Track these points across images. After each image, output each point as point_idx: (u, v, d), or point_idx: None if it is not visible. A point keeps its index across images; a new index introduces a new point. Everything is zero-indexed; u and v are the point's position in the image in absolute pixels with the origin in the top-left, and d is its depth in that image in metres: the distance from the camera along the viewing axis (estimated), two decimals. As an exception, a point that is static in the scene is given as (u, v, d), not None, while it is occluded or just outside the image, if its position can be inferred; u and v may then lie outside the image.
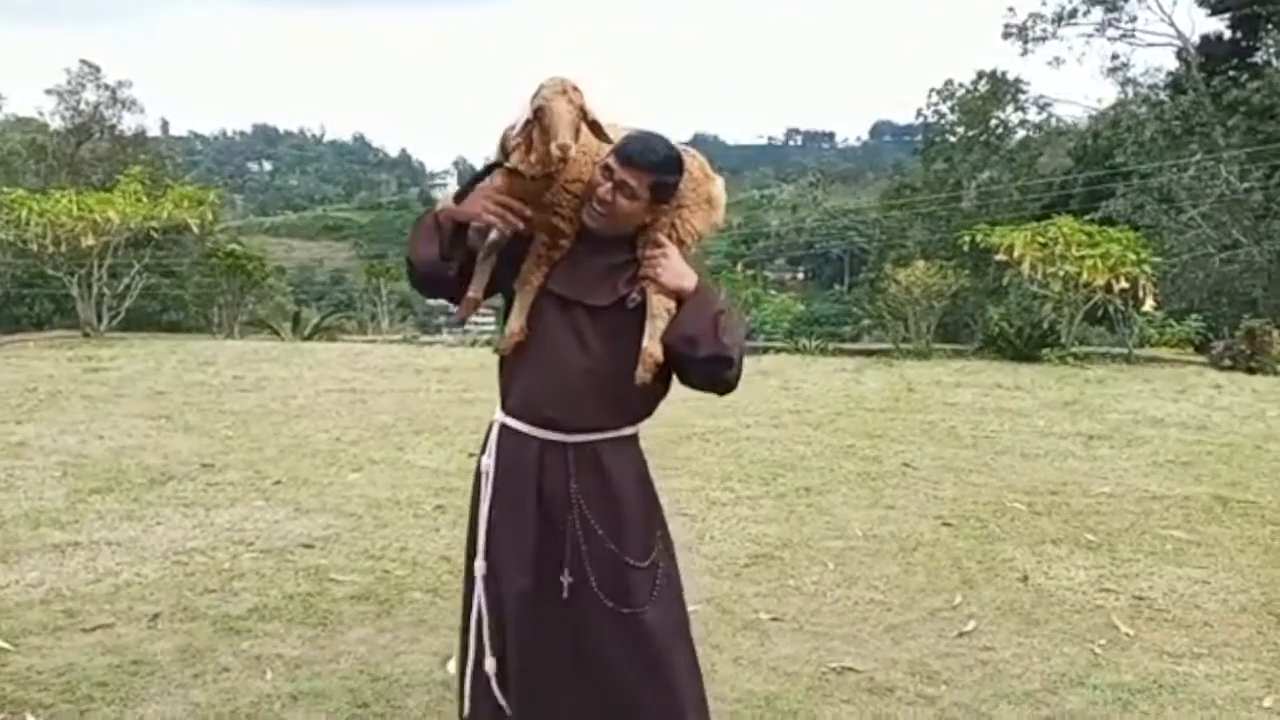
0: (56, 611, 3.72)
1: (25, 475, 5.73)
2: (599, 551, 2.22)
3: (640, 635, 2.24)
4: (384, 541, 4.68)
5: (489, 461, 2.30)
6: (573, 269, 2.24)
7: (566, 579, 2.21)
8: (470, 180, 2.24)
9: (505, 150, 2.16)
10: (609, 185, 2.14)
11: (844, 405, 8.57)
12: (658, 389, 2.28)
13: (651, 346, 2.16)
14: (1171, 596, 4.18)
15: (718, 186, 2.32)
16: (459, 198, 2.23)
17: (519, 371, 2.29)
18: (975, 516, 5.26)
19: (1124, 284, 10.93)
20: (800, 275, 73.23)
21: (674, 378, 2.29)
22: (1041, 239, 11.41)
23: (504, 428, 2.30)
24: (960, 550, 4.71)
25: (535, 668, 2.26)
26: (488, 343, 11.74)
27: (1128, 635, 3.76)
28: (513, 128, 2.11)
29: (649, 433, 7.22)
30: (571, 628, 2.24)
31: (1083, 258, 11.02)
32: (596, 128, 2.09)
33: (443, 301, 2.55)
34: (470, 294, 2.31)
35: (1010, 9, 29.37)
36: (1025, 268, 11.42)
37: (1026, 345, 11.47)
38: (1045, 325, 11.85)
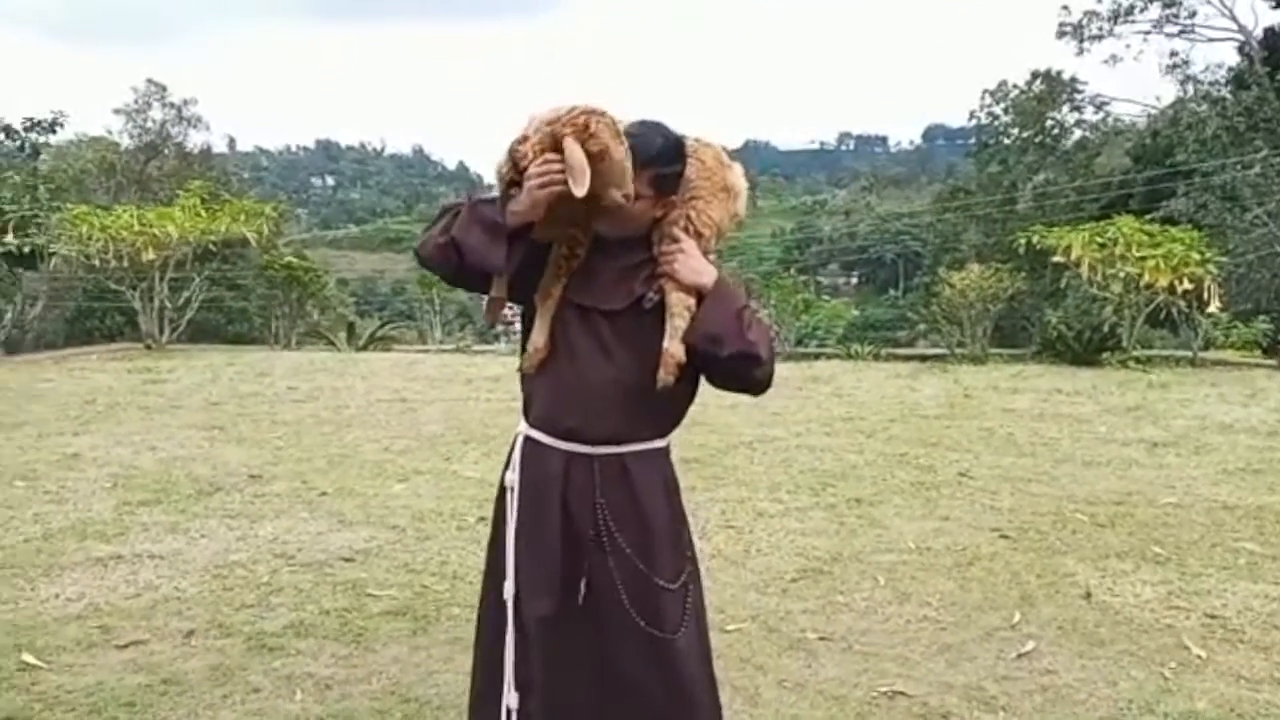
0: (92, 627, 3.69)
1: (76, 487, 5.76)
2: (629, 571, 2.11)
3: (672, 662, 2.13)
4: (425, 555, 4.61)
5: (513, 476, 2.21)
6: (589, 275, 2.14)
7: (594, 600, 2.11)
8: (501, 197, 2.09)
9: (515, 165, 2.03)
10: None
11: (898, 412, 8.36)
12: (683, 395, 2.18)
13: (673, 347, 2.06)
14: (1247, 615, 3.95)
15: (735, 174, 2.20)
16: (470, 214, 2.10)
17: (541, 383, 2.19)
18: (1035, 528, 5.06)
19: (1187, 285, 10.55)
20: (854, 280, 72.65)
21: (699, 383, 2.19)
22: (1100, 239, 11.07)
23: (528, 440, 2.20)
24: (1019, 564, 4.52)
25: (562, 694, 2.16)
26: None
27: (1200, 658, 3.54)
28: (522, 140, 2.01)
29: (696, 441, 7.09)
30: (600, 652, 2.14)
31: (1144, 258, 10.66)
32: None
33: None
34: (494, 294, 2.23)
35: (1065, 7, 28.84)
36: (1084, 269, 11.09)
37: (1086, 349, 11.12)
38: (1105, 328, 11.48)
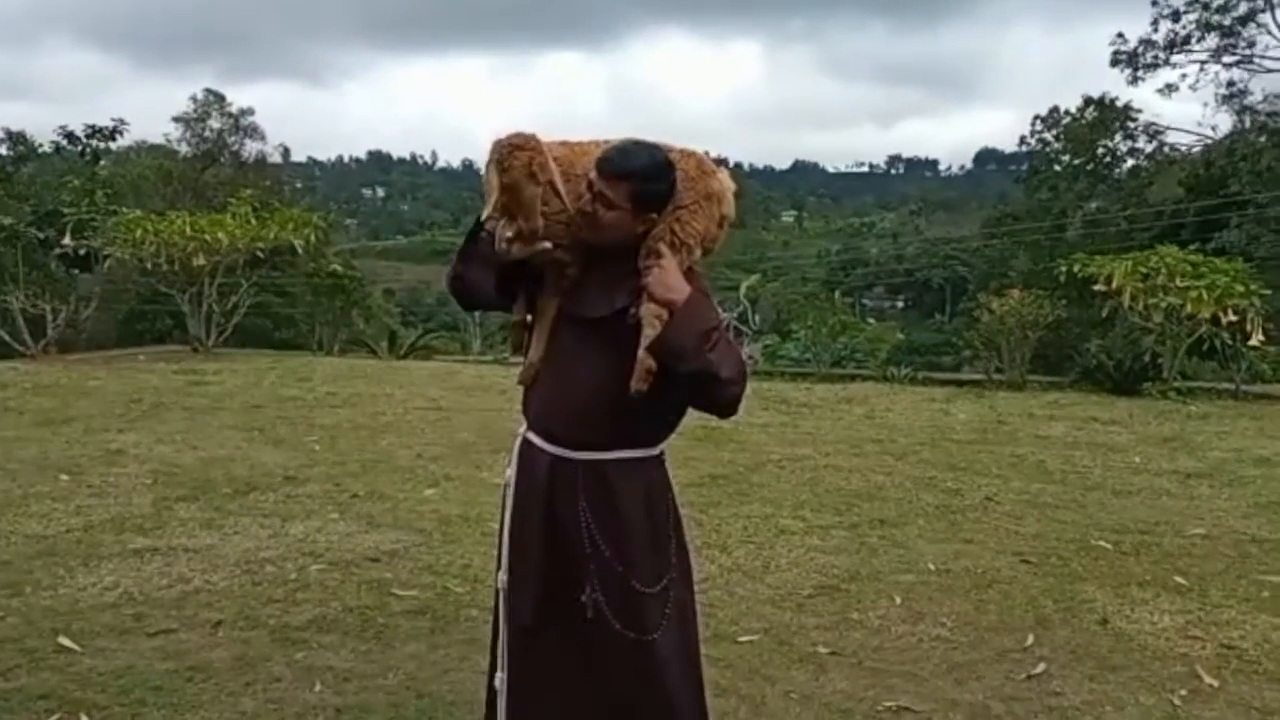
0: (126, 615, 3.84)
1: (118, 482, 5.95)
2: (606, 573, 2.19)
3: (647, 663, 2.20)
4: (449, 558, 4.72)
5: (510, 473, 2.32)
6: (579, 286, 2.24)
7: (574, 598, 2.19)
8: (472, 230, 2.29)
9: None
10: (589, 196, 2.13)
11: (929, 436, 8.35)
12: (667, 407, 2.24)
13: (645, 356, 2.13)
14: (1264, 647, 3.91)
15: (719, 180, 2.25)
16: (464, 249, 2.31)
17: (534, 389, 2.32)
18: (1057, 554, 5.04)
19: (1232, 316, 10.40)
20: (900, 304, 72.11)
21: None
22: (1143, 269, 10.95)
23: (524, 441, 2.31)
24: (1037, 589, 4.52)
25: (537, 688, 2.25)
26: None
27: (1212, 686, 3.54)
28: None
29: (724, 458, 7.12)
30: (577, 649, 2.22)
31: (1187, 288, 10.52)
32: (555, 190, 2.12)
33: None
34: (516, 318, 2.36)
35: (1120, 35, 28.63)
36: (1125, 298, 10.98)
37: (1126, 378, 11.00)
38: (1147, 358, 11.34)
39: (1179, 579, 4.70)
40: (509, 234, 2.14)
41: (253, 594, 4.14)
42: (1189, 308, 10.59)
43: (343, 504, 5.64)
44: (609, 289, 2.20)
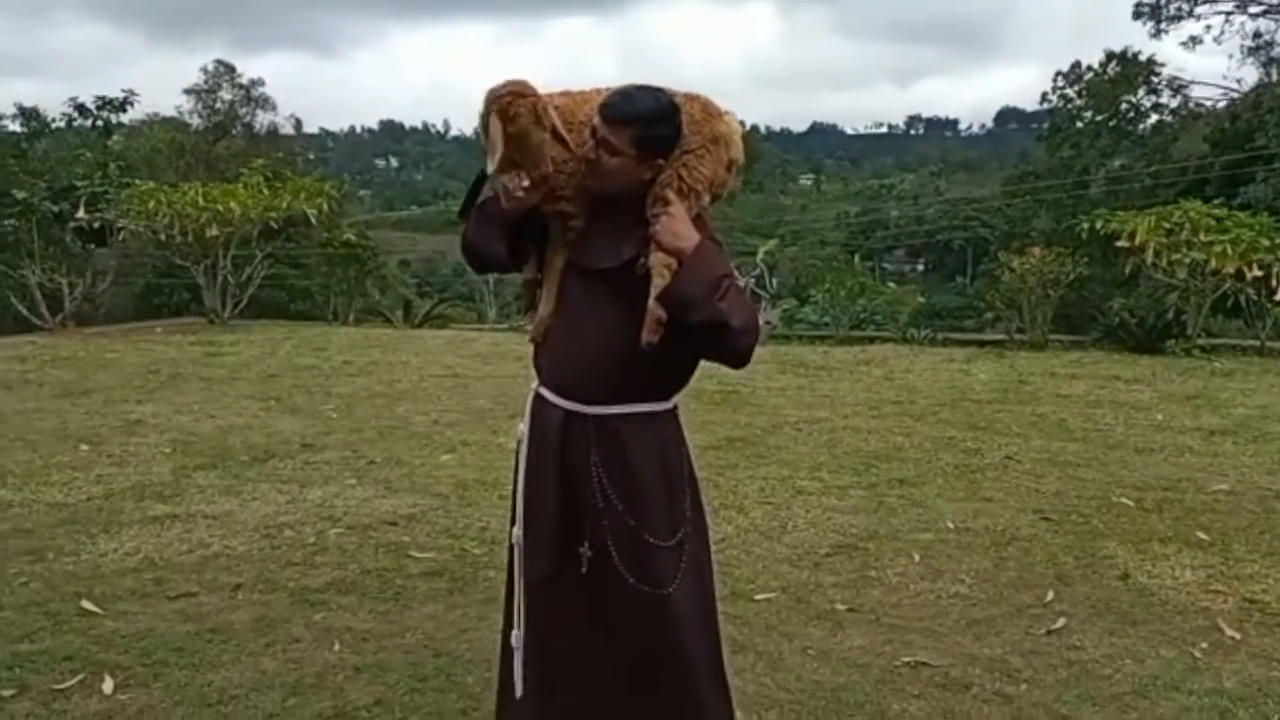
0: (147, 579, 3.88)
1: (138, 451, 5.99)
2: (619, 527, 2.17)
3: (663, 617, 2.18)
4: (466, 521, 4.74)
5: (523, 428, 2.30)
6: (586, 237, 2.20)
7: (586, 552, 2.18)
8: (472, 187, 2.27)
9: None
10: (593, 143, 2.09)
11: (949, 396, 8.29)
12: (679, 359, 2.20)
13: (655, 306, 2.09)
14: (1287, 600, 3.89)
15: (725, 124, 2.19)
16: (466, 206, 2.28)
17: (546, 343, 2.29)
18: (1078, 511, 5.01)
19: (1257, 272, 10.25)
20: (920, 267, 71.40)
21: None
22: (1166, 224, 10.79)
23: (537, 395, 2.29)
24: (1058, 546, 4.49)
25: (553, 643, 2.24)
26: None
27: (1233, 639, 3.51)
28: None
29: (742, 420, 7.09)
30: (592, 604, 2.21)
31: (1211, 244, 10.37)
32: (559, 136, 2.10)
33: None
34: (527, 276, 2.35)
35: (1143, -14, 28.08)
36: (1148, 255, 10.83)
37: (1149, 336, 10.88)
38: (1170, 315, 11.21)
39: (1201, 534, 4.65)
40: (524, 184, 2.10)
41: (272, 558, 4.17)
42: (1213, 263, 10.44)
43: (360, 470, 5.66)
44: (617, 239, 2.16)
